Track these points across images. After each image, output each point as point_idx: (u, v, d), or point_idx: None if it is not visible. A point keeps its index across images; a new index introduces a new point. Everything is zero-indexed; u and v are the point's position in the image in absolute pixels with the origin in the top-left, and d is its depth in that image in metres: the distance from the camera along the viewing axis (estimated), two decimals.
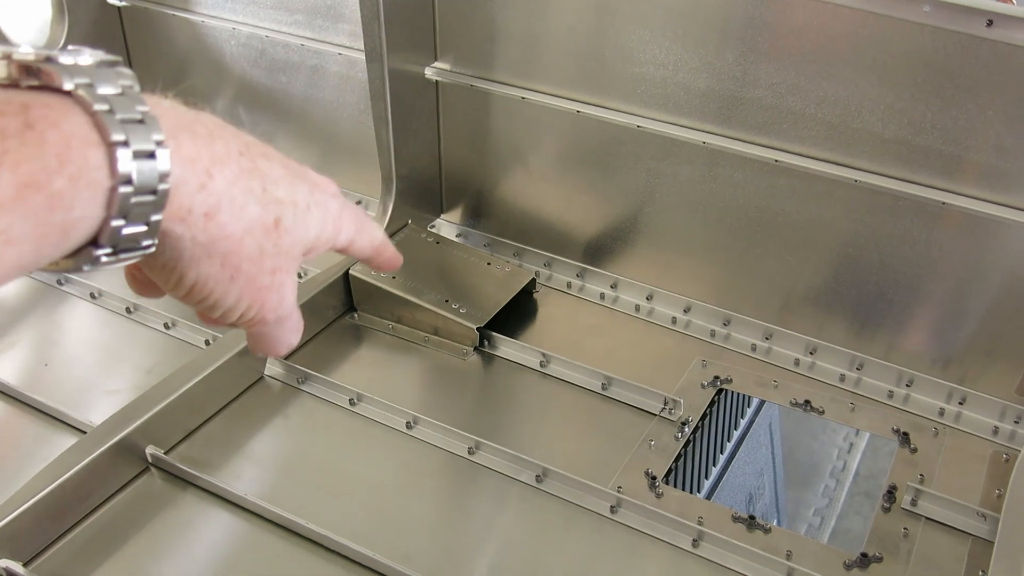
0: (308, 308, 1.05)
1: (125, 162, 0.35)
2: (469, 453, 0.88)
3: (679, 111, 0.95)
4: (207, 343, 1.04)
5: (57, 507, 0.79)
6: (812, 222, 0.92)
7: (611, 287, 1.09)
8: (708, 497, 0.97)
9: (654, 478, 0.84)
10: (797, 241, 0.94)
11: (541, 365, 0.99)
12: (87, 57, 0.36)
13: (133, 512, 0.84)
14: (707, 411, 0.92)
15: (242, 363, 0.95)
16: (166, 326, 1.08)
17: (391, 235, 1.13)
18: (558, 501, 0.84)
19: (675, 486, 0.86)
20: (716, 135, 0.93)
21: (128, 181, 0.35)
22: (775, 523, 1.36)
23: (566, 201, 1.11)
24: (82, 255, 0.36)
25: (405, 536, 0.81)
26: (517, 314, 1.07)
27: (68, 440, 0.93)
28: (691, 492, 0.92)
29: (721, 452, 1.00)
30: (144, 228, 0.36)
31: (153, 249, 0.38)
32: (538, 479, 0.85)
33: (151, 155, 0.36)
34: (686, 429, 0.89)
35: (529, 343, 1.01)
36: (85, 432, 0.92)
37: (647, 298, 1.07)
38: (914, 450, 0.88)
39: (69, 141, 0.33)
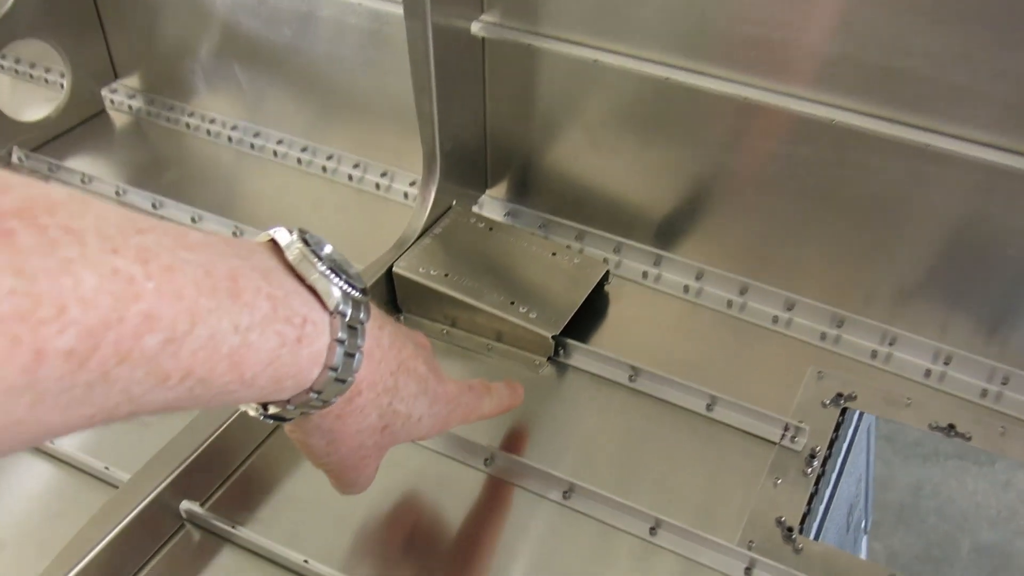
0: None
1: (326, 383, 0.43)
2: (564, 498, 0.75)
3: (802, 81, 0.79)
4: None
5: None
6: (963, 217, 0.77)
7: (696, 278, 0.95)
8: (821, 525, 0.84)
9: (790, 529, 0.71)
10: (939, 237, 0.80)
11: (630, 380, 0.85)
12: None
13: None
14: (833, 435, 0.79)
15: None
16: None
17: (434, 221, 0.97)
18: (680, 560, 0.70)
19: (812, 535, 0.73)
20: (850, 111, 0.77)
21: (319, 392, 0.44)
22: (863, 527, 1.27)
23: (640, 178, 0.95)
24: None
25: None
26: (588, 311, 0.92)
27: (90, 490, 0.78)
28: (819, 533, 0.79)
29: (835, 472, 0.87)
30: (300, 414, 0.45)
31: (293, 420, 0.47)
32: (652, 531, 0.72)
33: (344, 380, 0.44)
34: (815, 462, 0.76)
35: (609, 349, 0.86)
36: (105, 481, 0.77)
37: (740, 292, 0.93)
38: None
39: (310, 359, 0.42)
